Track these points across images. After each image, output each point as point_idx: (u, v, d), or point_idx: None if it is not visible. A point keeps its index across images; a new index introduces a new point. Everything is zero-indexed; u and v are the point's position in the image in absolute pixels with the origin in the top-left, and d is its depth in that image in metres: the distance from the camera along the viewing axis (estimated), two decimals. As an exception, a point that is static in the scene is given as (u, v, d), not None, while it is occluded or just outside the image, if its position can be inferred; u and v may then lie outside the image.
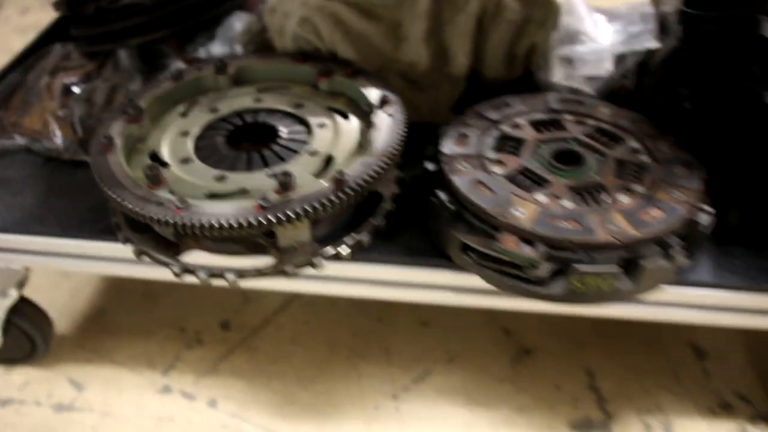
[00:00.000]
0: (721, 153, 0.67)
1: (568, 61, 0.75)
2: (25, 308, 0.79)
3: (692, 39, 0.62)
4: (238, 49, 0.79)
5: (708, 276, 0.61)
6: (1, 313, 0.76)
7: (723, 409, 0.82)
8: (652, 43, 0.69)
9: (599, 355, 0.88)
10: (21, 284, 0.76)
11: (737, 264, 0.62)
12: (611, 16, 0.78)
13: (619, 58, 0.74)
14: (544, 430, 0.79)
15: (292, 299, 0.94)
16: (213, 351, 0.88)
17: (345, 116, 0.65)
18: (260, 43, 0.79)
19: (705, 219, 0.57)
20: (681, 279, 0.60)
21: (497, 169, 0.60)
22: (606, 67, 0.74)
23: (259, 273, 0.57)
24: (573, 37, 0.76)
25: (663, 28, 0.70)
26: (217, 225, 0.51)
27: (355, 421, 0.79)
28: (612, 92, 0.74)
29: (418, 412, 0.80)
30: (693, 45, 0.62)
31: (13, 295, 0.75)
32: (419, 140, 0.64)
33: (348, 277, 0.63)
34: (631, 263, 0.55)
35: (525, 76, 0.79)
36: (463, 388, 0.83)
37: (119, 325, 0.91)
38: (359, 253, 0.60)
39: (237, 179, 0.58)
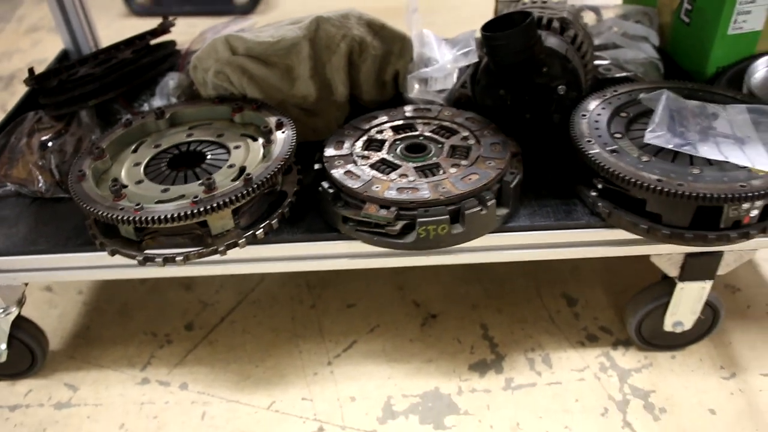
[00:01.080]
0: (532, 132, 0.91)
1: (424, 81, 0.99)
2: (24, 324, 0.96)
3: (492, 53, 0.87)
4: (173, 100, 1.02)
5: (526, 221, 0.84)
6: (6, 326, 0.95)
7: (590, 340, 1.05)
8: (475, 58, 0.94)
9: (491, 312, 1.10)
10: (20, 302, 0.95)
11: (549, 210, 0.86)
12: (453, 42, 1.03)
13: (460, 73, 0.99)
14: (449, 374, 0.99)
15: (242, 299, 1.15)
16: (181, 347, 1.07)
17: (254, 139, 0.89)
18: (189, 94, 1.02)
19: (510, 178, 0.81)
20: (505, 227, 0.83)
21: (364, 162, 0.84)
22: (451, 82, 0.98)
23: (200, 255, 0.79)
24: (426, 62, 1.01)
25: (481, 46, 0.95)
26: (164, 218, 0.73)
27: (299, 386, 0.99)
28: (456, 100, 0.98)
29: (348, 373, 1.00)
30: (494, 57, 0.87)
31: (15, 311, 0.94)
32: (316, 152, 0.88)
33: (267, 256, 0.85)
34: (458, 213, 0.78)
35: (397, 97, 1.04)
36: (382, 350, 1.04)
37: (102, 337, 1.10)
38: (273, 236, 0.83)
39: (177, 190, 0.81)
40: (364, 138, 0.89)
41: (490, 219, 0.80)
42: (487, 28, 0.86)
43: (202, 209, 0.74)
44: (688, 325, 0.95)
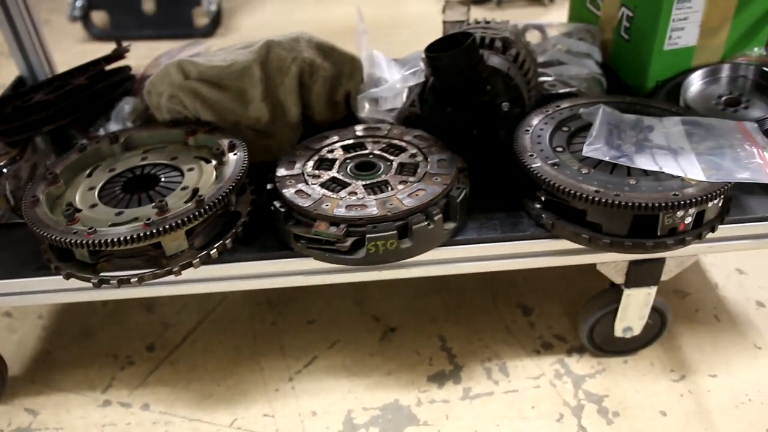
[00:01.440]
0: (479, 147, 0.95)
1: (374, 100, 1.02)
2: None
3: (436, 73, 0.90)
4: (129, 124, 1.03)
5: (474, 234, 0.87)
6: (-36, 356, 0.95)
7: (545, 348, 1.08)
8: (422, 78, 0.97)
9: (449, 324, 1.12)
10: (-23, 330, 0.95)
11: (496, 223, 0.88)
12: (402, 62, 1.06)
13: (409, 92, 1.01)
14: (408, 386, 1.01)
15: (203, 319, 1.16)
16: (142, 368, 1.08)
17: (207, 161, 0.90)
18: (145, 118, 1.03)
19: (457, 193, 0.84)
20: (453, 240, 0.86)
21: (314, 181, 0.86)
22: (400, 101, 1.01)
23: (154, 276, 0.80)
24: (376, 82, 1.04)
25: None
26: (116, 240, 0.75)
27: (260, 403, 1.00)
28: (406, 118, 1.01)
29: (309, 389, 1.02)
30: (438, 77, 0.90)
31: (-29, 339, 0.94)
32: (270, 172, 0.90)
33: (223, 275, 0.87)
34: (406, 228, 0.80)
35: (349, 116, 1.06)
36: (343, 365, 1.05)
37: (62, 360, 1.10)
38: (227, 255, 0.84)
39: (131, 212, 0.82)
40: (315, 158, 0.91)
41: (437, 233, 0.83)
42: (431, 48, 0.89)
43: (154, 231, 0.75)
44: (637, 330, 0.99)
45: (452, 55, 0.85)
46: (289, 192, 0.83)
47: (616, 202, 0.76)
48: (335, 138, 0.94)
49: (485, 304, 1.15)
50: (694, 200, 0.76)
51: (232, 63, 0.94)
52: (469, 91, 0.91)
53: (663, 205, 0.75)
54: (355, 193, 0.83)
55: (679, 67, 1.07)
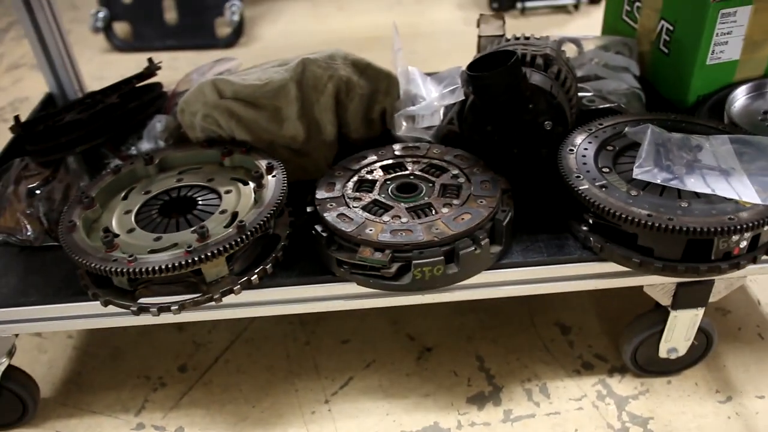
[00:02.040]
0: (521, 167, 0.93)
1: (411, 118, 1.00)
2: (15, 374, 0.94)
3: (478, 92, 0.88)
4: (162, 143, 1.02)
5: (519, 257, 0.85)
6: (-4, 377, 0.93)
7: (586, 368, 1.05)
8: (461, 96, 0.95)
9: (486, 343, 1.10)
10: (11, 353, 0.93)
11: (541, 245, 0.86)
12: (439, 78, 1.04)
13: (447, 110, 1.00)
14: (447, 408, 0.99)
15: (235, 339, 1.15)
16: (175, 390, 1.06)
17: (245, 183, 0.89)
18: (177, 137, 1.02)
19: (502, 216, 0.82)
20: (499, 263, 0.84)
21: (356, 204, 0.84)
22: (438, 118, 0.99)
23: (195, 303, 0.79)
24: (413, 99, 1.02)
25: (466, 83, 0.96)
26: (158, 269, 0.73)
27: (296, 425, 0.98)
28: (444, 136, 0.99)
29: (346, 410, 1.00)
30: (480, 96, 0.88)
31: (4, 362, 0.93)
32: (308, 192, 0.88)
33: (262, 300, 0.85)
34: (452, 253, 0.79)
35: (384, 133, 1.04)
36: (379, 386, 1.03)
37: (93, 382, 1.08)
38: (268, 280, 0.83)
39: (170, 238, 0.80)
40: (355, 179, 0.89)
41: (484, 257, 0.81)
42: (472, 67, 0.87)
43: (196, 258, 0.74)
44: (682, 351, 0.96)
45: (496, 75, 0.83)
46: (330, 216, 0.81)
47: (670, 227, 0.74)
48: (373, 158, 0.93)
49: (522, 323, 1.13)
50: (750, 224, 0.73)
51: (267, 81, 0.92)
52: (511, 109, 0.89)
53: (719, 230, 0.73)
54: (399, 217, 0.81)
55: (721, 81, 1.04)
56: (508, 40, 1.00)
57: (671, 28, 1.05)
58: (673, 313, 0.89)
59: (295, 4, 2.45)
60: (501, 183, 0.86)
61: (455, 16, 2.19)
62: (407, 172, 0.90)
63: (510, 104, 0.88)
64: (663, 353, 0.96)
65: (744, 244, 0.77)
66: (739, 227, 0.73)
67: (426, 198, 0.85)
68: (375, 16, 2.20)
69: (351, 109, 0.99)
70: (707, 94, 1.05)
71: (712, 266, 0.77)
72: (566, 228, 0.87)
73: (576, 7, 2.17)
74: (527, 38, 0.99)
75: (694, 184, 0.79)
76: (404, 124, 0.99)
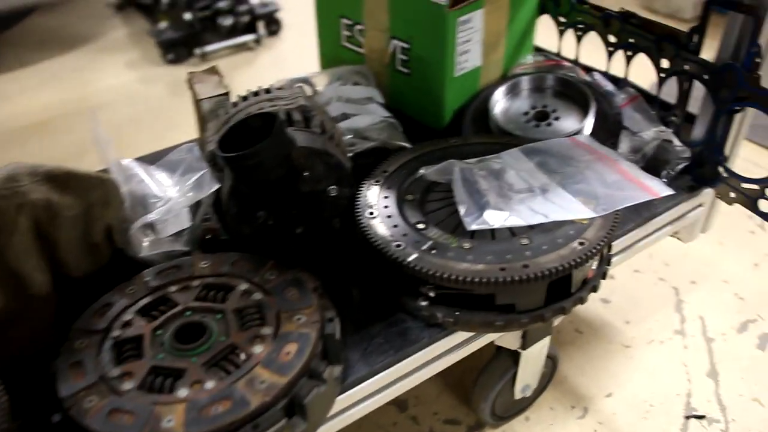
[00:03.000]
0: (310, 247, 0.73)
1: (150, 227, 0.74)
2: None
3: (241, 174, 0.66)
4: None
5: (364, 367, 0.65)
6: None
7: (442, 440, 0.91)
8: (215, 184, 0.72)
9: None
10: None
11: (381, 341, 0.68)
12: (168, 165, 0.79)
13: (195, 206, 0.76)
14: None
15: None
16: None
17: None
18: None
19: (331, 327, 0.62)
20: (345, 385, 0.64)
21: (127, 384, 0.56)
22: (186, 219, 0.75)
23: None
24: (143, 202, 0.75)
25: (216, 165, 0.74)
26: None
27: None
28: (202, 239, 0.75)
29: None
30: (245, 179, 0.67)
31: None
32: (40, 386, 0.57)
33: None
34: (293, 404, 0.56)
35: (119, 257, 0.76)
36: None
37: None
38: None
39: None
40: (108, 344, 0.61)
41: (331, 391, 0.60)
42: (224, 145, 0.65)
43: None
44: (534, 383, 0.88)
45: (262, 150, 0.63)
46: (96, 420, 0.53)
47: (531, 276, 0.62)
48: (123, 301, 0.65)
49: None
50: (602, 242, 0.65)
51: None
52: (286, 185, 0.69)
53: (578, 260, 0.63)
54: (200, 382, 0.56)
55: (469, 91, 0.98)
56: (244, 98, 0.79)
57: (407, 46, 0.95)
58: (524, 354, 0.79)
59: None
60: (309, 282, 0.66)
61: (129, 78, 1.87)
62: (179, 309, 0.64)
63: (283, 179, 0.68)
64: (518, 394, 0.86)
65: (595, 264, 0.69)
66: (593, 250, 0.64)
67: (223, 338, 0.61)
68: (29, 97, 1.75)
69: (62, 239, 0.69)
70: (459, 107, 0.97)
71: (575, 299, 0.68)
72: (398, 307, 0.70)
73: (257, 41, 2.02)
74: (267, 90, 0.80)
75: (525, 216, 0.68)
76: (143, 238, 0.72)
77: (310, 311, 0.62)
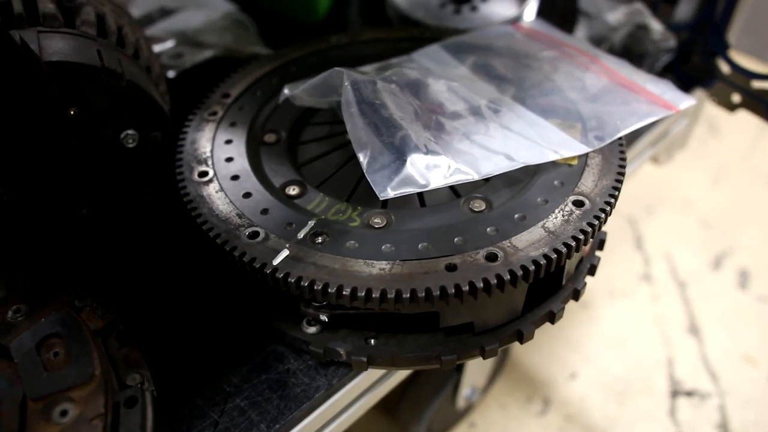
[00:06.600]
0: (107, 240, 0.42)
1: None
2: None
3: None
4: None
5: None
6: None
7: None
8: None
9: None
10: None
11: (243, 408, 0.39)
12: None
13: None
14: None
15: None
16: None
17: None
18: None
19: (132, 415, 0.32)
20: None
21: None
22: None
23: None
24: None
25: None
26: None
27: None
28: None
29: None
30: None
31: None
32: None
33: None
34: None
35: None
36: None
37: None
38: None
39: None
40: None
41: None
42: None
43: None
44: (482, 382, 0.62)
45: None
46: None
47: (504, 276, 0.33)
48: None
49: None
50: (611, 198, 0.38)
51: None
52: (30, 131, 0.36)
53: (579, 236, 0.36)
54: None
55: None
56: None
57: None
58: (470, 358, 0.52)
59: None
60: (91, 319, 0.35)
61: None
62: None
63: (24, 121, 0.35)
64: (461, 403, 0.61)
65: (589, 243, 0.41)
66: (600, 213, 0.37)
67: None
68: None
69: None
70: (335, -1, 0.65)
71: (568, 294, 0.41)
72: (274, 337, 0.41)
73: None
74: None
75: (476, 161, 0.39)
76: None
77: (87, 392, 0.31)
